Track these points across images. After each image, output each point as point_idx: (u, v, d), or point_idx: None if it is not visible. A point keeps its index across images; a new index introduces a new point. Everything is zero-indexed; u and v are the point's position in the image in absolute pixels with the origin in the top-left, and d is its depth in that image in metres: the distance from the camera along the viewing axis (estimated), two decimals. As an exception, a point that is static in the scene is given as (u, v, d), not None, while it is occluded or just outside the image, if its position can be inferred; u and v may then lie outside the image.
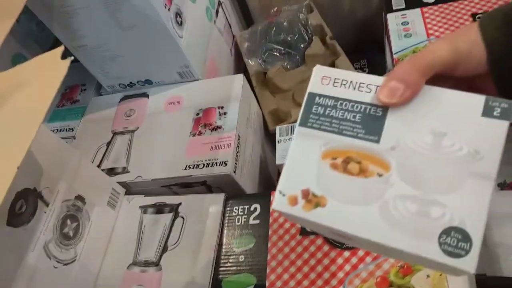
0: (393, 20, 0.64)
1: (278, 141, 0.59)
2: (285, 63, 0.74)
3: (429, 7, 0.63)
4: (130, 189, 0.58)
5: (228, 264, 0.46)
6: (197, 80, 0.65)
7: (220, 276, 0.45)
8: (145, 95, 0.67)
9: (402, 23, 0.63)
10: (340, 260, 0.42)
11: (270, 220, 0.48)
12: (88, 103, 0.70)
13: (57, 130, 0.69)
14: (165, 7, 0.56)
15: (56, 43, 0.70)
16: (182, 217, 0.51)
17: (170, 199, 0.53)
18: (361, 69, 0.78)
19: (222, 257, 0.47)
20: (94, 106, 0.69)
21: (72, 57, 0.36)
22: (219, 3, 0.76)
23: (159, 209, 0.53)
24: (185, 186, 0.57)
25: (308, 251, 0.44)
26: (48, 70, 0.35)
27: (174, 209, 0.52)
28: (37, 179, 0.44)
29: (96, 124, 0.66)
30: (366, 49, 0.79)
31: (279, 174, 0.68)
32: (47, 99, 0.32)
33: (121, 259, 0.50)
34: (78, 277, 0.47)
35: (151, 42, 0.59)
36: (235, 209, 0.50)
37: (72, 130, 0.68)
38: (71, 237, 0.46)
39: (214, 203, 0.51)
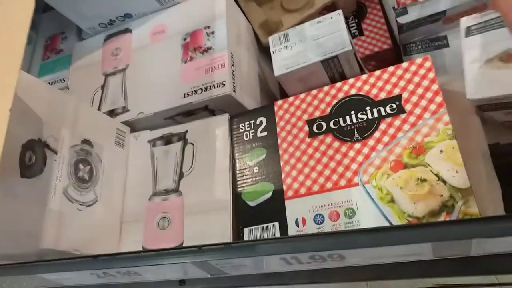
0: None
1: (273, 52, 0.57)
2: (267, -30, 0.69)
3: None
4: (134, 127, 0.58)
5: (244, 177, 0.47)
6: (178, 3, 0.61)
7: (239, 190, 0.46)
8: (128, 30, 0.64)
9: None
10: (351, 153, 0.43)
11: (278, 130, 0.48)
12: (73, 50, 0.68)
13: (49, 83, 0.67)
14: None
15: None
16: (192, 143, 0.51)
17: (176, 129, 0.53)
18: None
19: (238, 172, 0.48)
20: (79, 52, 0.67)
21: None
22: None
23: (167, 139, 0.53)
24: (188, 114, 0.56)
25: (319, 151, 0.44)
26: (15, 7, 0.33)
27: (182, 137, 0.52)
28: (39, 129, 0.44)
29: (85, 69, 0.64)
30: None
31: (280, 86, 0.67)
32: (22, 34, 0.30)
33: (141, 192, 0.51)
34: (104, 216, 0.48)
35: (120, -30, 0.55)
36: (241, 125, 0.50)
37: (64, 80, 0.66)
38: (87, 180, 0.47)
39: (219, 124, 0.51)
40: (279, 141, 0.47)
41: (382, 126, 0.43)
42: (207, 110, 0.56)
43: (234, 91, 0.53)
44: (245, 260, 0.34)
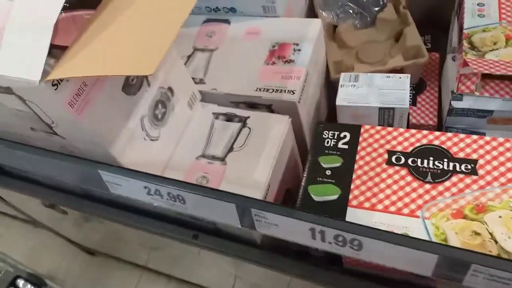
0: (469, 0, 0.68)
1: (341, 85, 0.65)
2: (355, 22, 0.80)
3: (507, -5, 0.67)
4: (204, 98, 0.66)
5: (315, 175, 0.53)
6: (277, 17, 0.71)
7: (306, 183, 0.52)
8: (227, 21, 0.73)
9: (478, 4, 0.67)
10: (420, 190, 0.48)
11: (358, 148, 0.54)
12: (173, 19, 0.77)
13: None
14: None
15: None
16: (249, 128, 0.59)
17: (239, 112, 0.61)
18: (424, 43, 0.82)
19: (309, 168, 0.53)
20: (179, 22, 0.76)
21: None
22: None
23: (229, 117, 0.60)
24: (252, 106, 0.64)
25: (392, 178, 0.49)
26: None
27: (243, 120, 0.60)
28: (143, 63, 0.52)
29: (179, 39, 0.73)
30: (432, 26, 0.83)
31: (327, 116, 0.74)
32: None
33: (191, 150, 0.58)
34: (157, 154, 0.55)
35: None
36: (325, 132, 0.57)
37: (157, 39, 0.75)
38: (159, 119, 0.55)
39: (279, 121, 0.58)
40: (357, 157, 0.53)
41: (454, 178, 0.48)
42: (269, 109, 0.64)
43: (299, 102, 0.61)
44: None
